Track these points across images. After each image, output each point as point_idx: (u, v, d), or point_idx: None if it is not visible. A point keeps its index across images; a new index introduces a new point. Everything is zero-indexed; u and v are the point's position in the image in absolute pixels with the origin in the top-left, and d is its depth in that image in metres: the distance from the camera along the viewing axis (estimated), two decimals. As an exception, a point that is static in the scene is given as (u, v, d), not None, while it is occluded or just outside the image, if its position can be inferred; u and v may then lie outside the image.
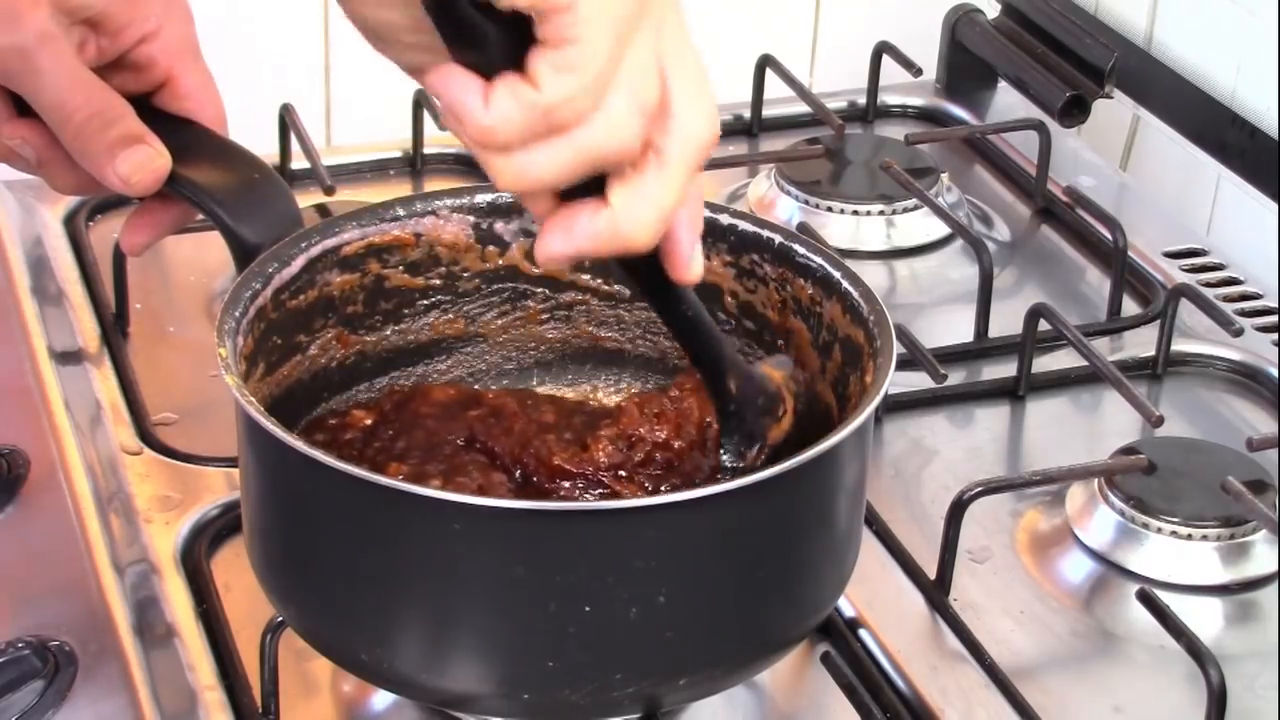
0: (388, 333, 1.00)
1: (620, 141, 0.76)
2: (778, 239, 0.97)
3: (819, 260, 0.95)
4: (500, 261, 1.00)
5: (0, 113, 0.89)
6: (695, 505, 0.81)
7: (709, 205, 0.97)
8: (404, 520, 0.81)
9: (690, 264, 0.83)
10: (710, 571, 0.83)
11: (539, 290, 1.02)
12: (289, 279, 0.93)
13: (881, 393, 0.86)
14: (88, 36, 0.89)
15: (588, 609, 0.81)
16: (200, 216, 0.92)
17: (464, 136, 0.76)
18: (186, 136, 0.91)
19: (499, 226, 1.00)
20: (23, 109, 0.88)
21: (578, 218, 0.78)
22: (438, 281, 1.00)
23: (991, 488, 1.05)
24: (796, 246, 0.96)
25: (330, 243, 0.95)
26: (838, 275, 0.94)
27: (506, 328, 1.02)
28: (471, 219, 0.99)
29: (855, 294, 0.92)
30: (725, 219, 0.98)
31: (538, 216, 0.80)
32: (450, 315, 1.01)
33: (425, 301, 1.00)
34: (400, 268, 0.98)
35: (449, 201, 0.99)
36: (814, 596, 0.88)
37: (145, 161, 0.88)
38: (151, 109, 0.92)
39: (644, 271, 0.84)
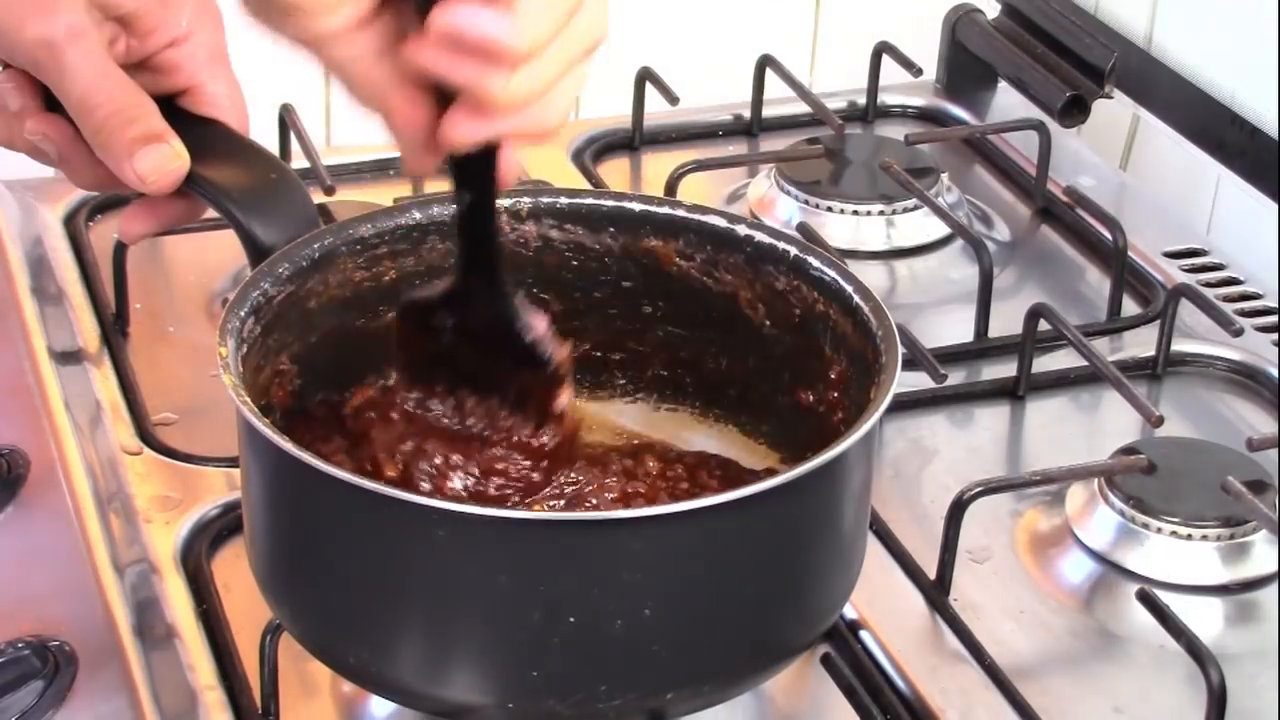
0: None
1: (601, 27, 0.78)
2: (793, 251, 0.95)
3: (832, 273, 0.94)
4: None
5: (28, 105, 0.89)
6: (684, 518, 0.80)
7: (727, 216, 0.97)
8: (389, 525, 0.80)
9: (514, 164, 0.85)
10: (701, 585, 0.82)
11: (549, 295, 0.99)
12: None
13: (883, 406, 0.85)
14: (119, 34, 0.90)
15: (572, 620, 0.80)
16: (206, 214, 0.92)
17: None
18: (207, 135, 0.91)
19: (516, 231, 0.98)
20: (50, 104, 0.89)
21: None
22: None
23: (991, 488, 1.04)
24: (811, 259, 0.95)
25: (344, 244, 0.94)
26: (849, 289, 0.93)
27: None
28: None
29: (865, 308, 0.91)
30: (742, 230, 0.96)
31: (407, 121, 0.80)
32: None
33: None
34: (415, 270, 0.97)
35: None
36: (818, 608, 0.87)
37: (164, 161, 0.88)
38: (176, 107, 0.92)
39: (475, 167, 0.85)
